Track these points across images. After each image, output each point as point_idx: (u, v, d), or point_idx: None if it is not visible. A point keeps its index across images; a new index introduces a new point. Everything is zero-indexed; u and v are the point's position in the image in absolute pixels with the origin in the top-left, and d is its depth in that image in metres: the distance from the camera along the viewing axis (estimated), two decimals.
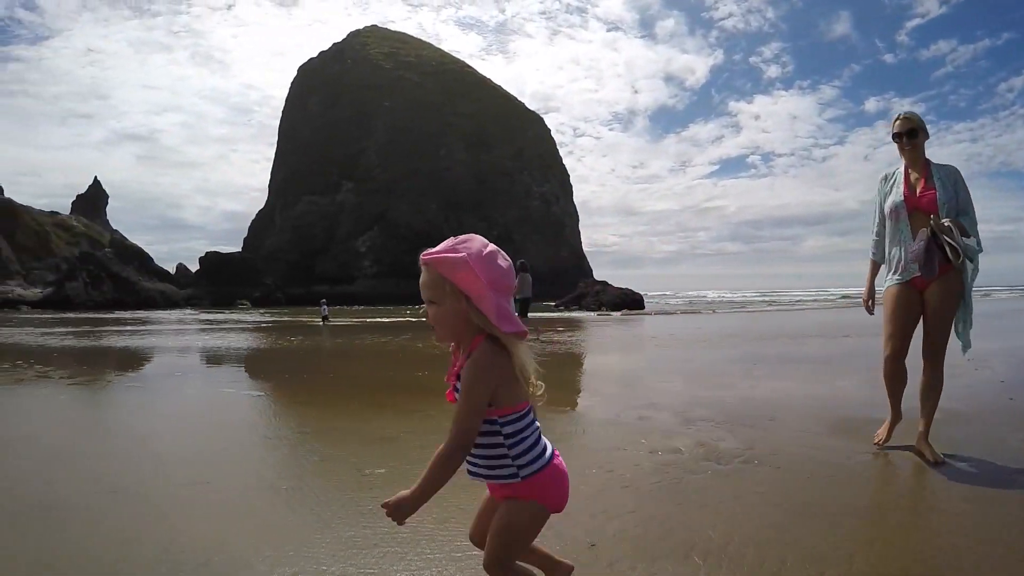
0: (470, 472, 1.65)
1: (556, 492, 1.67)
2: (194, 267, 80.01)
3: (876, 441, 3.80)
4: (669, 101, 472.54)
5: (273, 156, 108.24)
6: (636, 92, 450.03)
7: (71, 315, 36.93)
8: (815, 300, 53.10)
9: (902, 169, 3.67)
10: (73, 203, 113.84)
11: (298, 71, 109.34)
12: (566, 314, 32.41)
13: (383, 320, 27.19)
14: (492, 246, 1.59)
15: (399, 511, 1.54)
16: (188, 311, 49.89)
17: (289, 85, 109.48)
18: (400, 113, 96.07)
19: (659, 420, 4.70)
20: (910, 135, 3.55)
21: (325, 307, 25.46)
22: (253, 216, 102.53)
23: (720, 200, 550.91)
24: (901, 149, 3.61)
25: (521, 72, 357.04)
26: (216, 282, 72.18)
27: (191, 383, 7.75)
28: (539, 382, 1.62)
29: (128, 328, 21.69)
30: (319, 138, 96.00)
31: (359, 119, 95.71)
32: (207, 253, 79.35)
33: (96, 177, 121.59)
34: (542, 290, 65.80)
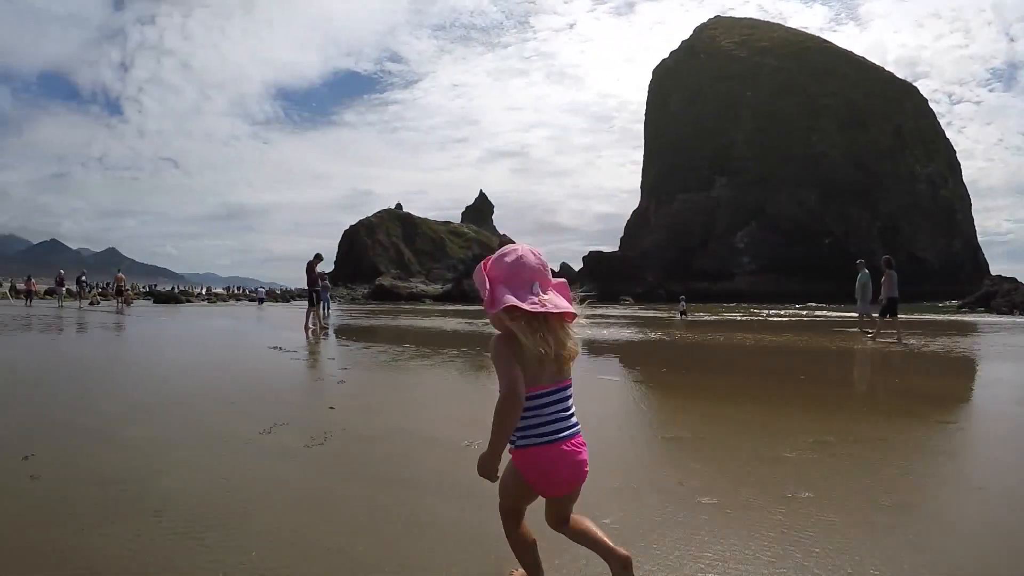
0: None
1: (542, 472, 1.75)
2: (575, 265, 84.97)
3: None
4: None
5: (640, 158, 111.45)
6: (1012, 40, 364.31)
7: (467, 307, 40.70)
8: None
9: None
10: (463, 213, 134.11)
11: (653, 73, 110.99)
12: (973, 317, 28.25)
13: (770, 318, 26.71)
14: (512, 247, 1.78)
15: (485, 471, 1.73)
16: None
17: (647, 88, 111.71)
18: (764, 100, 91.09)
19: None
20: None
21: (683, 303, 27.49)
22: (624, 216, 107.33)
23: None
24: None
25: (878, 38, 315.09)
26: (599, 279, 73.78)
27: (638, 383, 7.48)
28: (566, 355, 1.75)
29: None
30: (685, 135, 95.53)
31: (723, 112, 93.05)
32: (590, 252, 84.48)
33: (481, 190, 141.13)
34: (934, 289, 55.38)
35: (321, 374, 7.72)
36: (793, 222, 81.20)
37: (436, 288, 72.83)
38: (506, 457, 1.80)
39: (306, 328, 14.40)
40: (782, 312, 33.84)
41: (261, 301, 46.09)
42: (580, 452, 1.77)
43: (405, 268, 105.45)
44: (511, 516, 1.90)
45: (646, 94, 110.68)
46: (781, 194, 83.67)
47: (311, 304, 15.56)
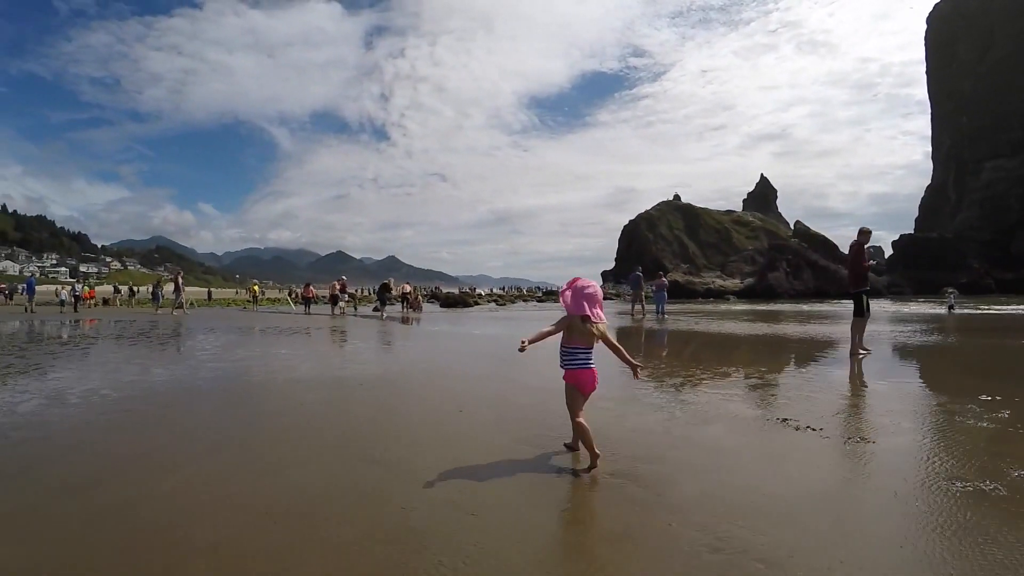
0: None
1: (576, 381, 3.81)
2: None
3: None
4: None
5: (913, 127, 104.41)
6: None
7: (780, 306, 34.61)
8: None
9: None
10: (744, 201, 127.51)
11: (928, 22, 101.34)
12: None
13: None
14: (590, 283, 3.82)
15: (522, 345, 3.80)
16: (887, 301, 42.24)
17: (916, 43, 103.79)
18: None
19: None
20: None
21: (952, 296, 26.15)
22: (901, 196, 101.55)
23: None
24: None
25: None
26: (914, 267, 70.15)
27: None
28: (595, 334, 3.72)
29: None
30: (984, 89, 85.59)
31: None
32: (901, 236, 78.09)
33: (762, 174, 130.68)
34: None
35: None
36: None
37: (735, 283, 70.23)
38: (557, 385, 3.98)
39: (854, 354, 9.10)
40: None
41: None
42: (593, 373, 3.83)
43: (691, 262, 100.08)
44: (572, 410, 3.88)
45: (921, 49, 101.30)
46: None
47: (858, 314, 9.51)
